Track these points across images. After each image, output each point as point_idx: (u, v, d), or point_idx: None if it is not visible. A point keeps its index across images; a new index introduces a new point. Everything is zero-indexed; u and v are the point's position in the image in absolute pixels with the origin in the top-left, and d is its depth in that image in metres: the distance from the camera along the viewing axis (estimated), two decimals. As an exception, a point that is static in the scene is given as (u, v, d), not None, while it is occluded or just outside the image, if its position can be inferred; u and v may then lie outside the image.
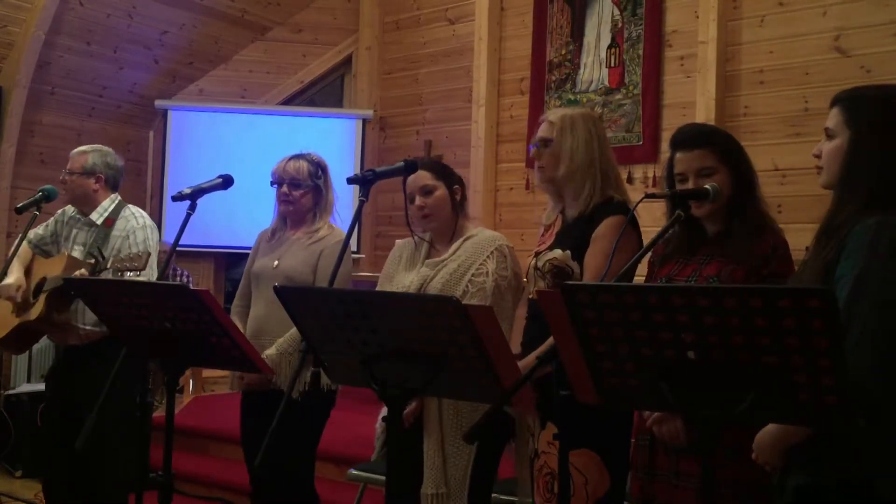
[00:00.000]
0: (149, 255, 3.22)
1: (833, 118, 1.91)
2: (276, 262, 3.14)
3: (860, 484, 1.77)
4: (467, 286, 2.70)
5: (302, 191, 3.13)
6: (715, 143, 2.30)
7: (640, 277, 2.55)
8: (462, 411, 2.67)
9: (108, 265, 3.14)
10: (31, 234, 3.64)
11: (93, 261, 3.15)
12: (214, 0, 6.45)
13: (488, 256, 2.73)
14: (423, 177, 2.81)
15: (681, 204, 2.21)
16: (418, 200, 2.80)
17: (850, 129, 1.86)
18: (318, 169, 3.17)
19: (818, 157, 1.95)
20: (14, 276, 3.48)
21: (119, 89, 6.53)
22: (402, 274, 2.89)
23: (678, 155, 2.31)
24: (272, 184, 3.17)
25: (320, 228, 3.17)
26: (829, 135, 1.91)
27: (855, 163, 1.84)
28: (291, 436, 2.96)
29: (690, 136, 2.32)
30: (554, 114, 2.68)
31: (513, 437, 2.76)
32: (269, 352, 3.00)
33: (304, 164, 3.14)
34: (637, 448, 2.37)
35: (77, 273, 3.18)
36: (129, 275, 3.26)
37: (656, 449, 2.28)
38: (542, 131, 2.66)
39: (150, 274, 3.38)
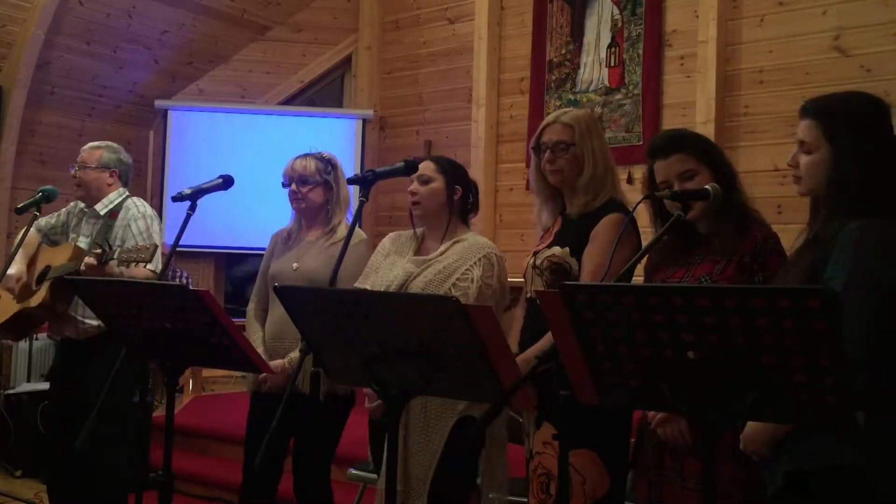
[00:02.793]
0: (156, 246, 3.23)
1: (808, 131, 1.97)
2: (295, 265, 3.13)
3: (850, 470, 1.81)
4: (450, 290, 2.69)
5: (310, 186, 3.13)
6: (690, 145, 2.32)
7: (637, 278, 2.55)
8: (430, 411, 2.66)
9: (115, 256, 3.16)
10: (43, 221, 3.69)
11: (99, 251, 3.16)
12: (214, 0, 6.45)
13: (475, 263, 2.73)
14: (426, 167, 2.86)
15: (681, 205, 2.21)
16: (412, 186, 2.86)
17: (829, 144, 1.93)
18: (328, 165, 3.17)
19: (794, 166, 2.01)
20: (16, 267, 3.50)
21: (119, 89, 6.53)
22: (387, 265, 2.89)
23: (656, 164, 2.32)
24: (283, 185, 3.18)
25: (337, 227, 3.16)
26: (807, 149, 1.97)
27: (839, 176, 1.92)
28: (314, 437, 2.97)
29: (664, 143, 2.34)
30: (566, 115, 2.66)
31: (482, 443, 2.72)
32: (294, 354, 2.99)
33: (311, 161, 3.16)
34: (643, 448, 2.36)
35: (85, 261, 3.20)
36: (135, 265, 3.28)
37: (664, 450, 2.28)
38: (559, 134, 2.62)
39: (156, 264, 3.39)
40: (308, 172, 3.13)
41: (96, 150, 3.60)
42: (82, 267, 3.21)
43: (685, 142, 2.33)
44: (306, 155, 3.19)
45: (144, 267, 3.29)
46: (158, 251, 3.43)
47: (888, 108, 1.98)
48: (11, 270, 3.48)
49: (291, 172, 3.15)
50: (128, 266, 3.26)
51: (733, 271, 2.20)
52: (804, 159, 1.98)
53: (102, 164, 3.56)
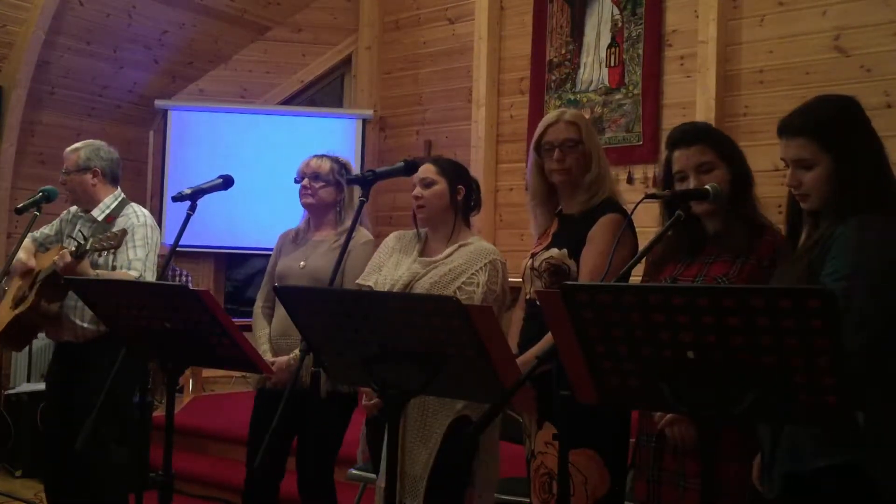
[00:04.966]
0: (125, 232, 3.21)
1: (803, 149, 1.99)
2: (302, 263, 3.17)
3: (848, 469, 1.81)
4: (455, 292, 2.70)
5: (322, 183, 3.18)
6: (712, 138, 2.33)
7: (636, 277, 2.55)
8: (428, 410, 2.67)
9: (88, 247, 3.14)
10: (38, 233, 3.67)
11: (75, 245, 3.15)
12: (214, 0, 6.45)
13: (481, 268, 2.75)
14: (427, 169, 2.88)
15: (681, 204, 2.21)
16: (416, 191, 2.87)
17: (828, 155, 1.96)
18: (342, 167, 3.23)
19: (796, 186, 2.02)
20: (24, 254, 3.51)
21: (119, 89, 6.52)
22: (392, 264, 2.90)
23: (676, 153, 2.32)
24: (296, 181, 3.22)
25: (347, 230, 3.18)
26: (807, 165, 1.98)
27: (845, 182, 1.94)
28: (318, 436, 2.98)
29: (687, 133, 2.34)
30: (567, 114, 2.67)
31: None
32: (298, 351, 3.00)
33: (326, 161, 3.22)
34: (642, 449, 2.36)
35: (58, 255, 3.18)
36: (105, 253, 3.27)
37: (663, 451, 2.27)
38: (565, 132, 2.63)
39: (145, 271, 3.38)
40: (322, 170, 3.19)
41: (74, 153, 3.52)
42: (57, 259, 3.17)
43: (708, 134, 2.35)
44: (323, 155, 3.25)
45: (115, 253, 3.29)
46: (154, 259, 3.41)
47: (859, 104, 2.02)
48: (19, 256, 3.47)
49: (305, 168, 3.21)
50: (100, 255, 3.25)
51: (749, 272, 2.20)
52: (808, 176, 1.99)
53: (81, 165, 3.49)
